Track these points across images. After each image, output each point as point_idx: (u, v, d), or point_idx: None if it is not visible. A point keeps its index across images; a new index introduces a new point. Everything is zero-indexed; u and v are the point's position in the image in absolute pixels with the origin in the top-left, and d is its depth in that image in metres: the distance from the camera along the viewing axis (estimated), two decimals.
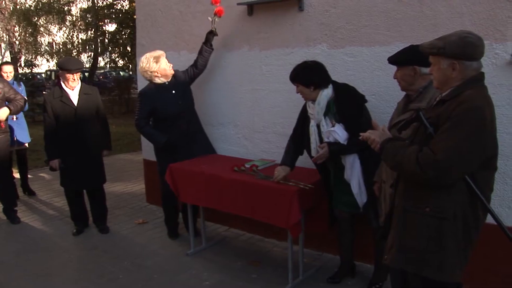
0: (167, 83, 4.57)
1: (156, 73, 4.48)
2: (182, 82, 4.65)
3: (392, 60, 3.05)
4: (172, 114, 4.52)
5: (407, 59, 2.96)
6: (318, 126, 3.52)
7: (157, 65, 4.46)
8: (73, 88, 4.84)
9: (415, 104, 2.89)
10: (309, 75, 3.44)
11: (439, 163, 2.07)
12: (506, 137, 3.26)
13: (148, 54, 4.54)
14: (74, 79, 4.79)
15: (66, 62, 4.84)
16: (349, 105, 3.41)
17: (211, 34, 4.62)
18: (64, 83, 4.82)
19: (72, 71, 4.72)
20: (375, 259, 3.72)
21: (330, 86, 3.47)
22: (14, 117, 5.99)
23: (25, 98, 5.43)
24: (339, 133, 3.37)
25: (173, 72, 4.60)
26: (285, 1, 4.20)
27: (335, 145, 3.39)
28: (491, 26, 3.26)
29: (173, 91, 4.57)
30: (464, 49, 2.18)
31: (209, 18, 4.53)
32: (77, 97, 4.84)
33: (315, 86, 3.44)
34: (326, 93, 3.44)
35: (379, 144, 2.41)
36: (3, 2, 24.76)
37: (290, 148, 3.77)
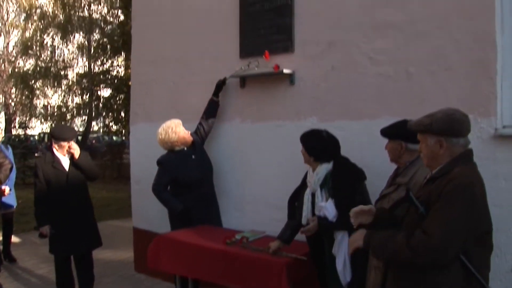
0: (185, 148, 4.58)
1: (176, 143, 4.51)
2: (199, 145, 4.67)
3: (382, 132, 3.12)
4: (195, 180, 4.49)
5: (395, 133, 3.04)
6: (313, 195, 3.50)
7: (176, 136, 4.48)
8: (64, 154, 4.85)
9: (400, 178, 2.93)
10: (314, 145, 3.47)
11: (435, 246, 2.05)
12: (494, 210, 3.21)
13: (165, 126, 4.53)
14: (70, 147, 4.80)
15: (61, 131, 4.87)
16: (342, 182, 3.39)
17: (223, 83, 4.68)
18: (57, 149, 4.84)
19: (67, 140, 4.76)
20: None
21: (332, 161, 3.46)
22: (7, 190, 5.96)
23: (12, 164, 5.41)
24: (329, 210, 3.33)
25: (192, 138, 4.61)
26: (277, 75, 4.32)
27: (325, 220, 3.34)
28: (475, 101, 3.36)
29: (193, 156, 4.57)
30: (451, 125, 2.24)
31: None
32: (69, 162, 4.85)
33: (315, 158, 3.47)
34: (326, 167, 3.45)
35: (361, 242, 2.38)
36: (3, 65, 25.29)
37: (289, 223, 3.72)
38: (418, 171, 2.82)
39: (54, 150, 4.83)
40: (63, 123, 20.62)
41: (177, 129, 4.51)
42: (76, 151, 4.75)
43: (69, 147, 4.74)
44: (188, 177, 4.48)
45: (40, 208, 4.79)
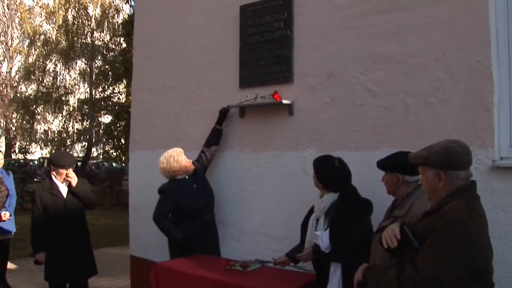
0: (187, 177, 4.58)
1: (178, 172, 4.51)
2: (200, 173, 4.67)
3: (378, 164, 3.12)
4: (196, 208, 4.48)
5: (391, 166, 3.03)
6: (318, 220, 3.51)
7: (178, 164, 4.49)
8: (63, 181, 4.85)
9: (396, 211, 2.91)
10: (325, 173, 3.48)
11: (422, 283, 2.01)
12: (493, 242, 3.17)
13: (166, 155, 4.54)
14: (68, 174, 4.81)
15: (60, 158, 4.91)
16: (342, 215, 3.36)
17: (226, 111, 4.71)
18: (55, 176, 4.84)
19: (66, 167, 4.77)
20: None
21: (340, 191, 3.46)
22: (7, 215, 5.93)
23: (8, 190, 5.38)
24: (323, 240, 3.31)
25: (193, 167, 4.61)
26: (276, 105, 4.35)
27: (318, 248, 3.33)
28: (472, 133, 3.38)
29: (194, 185, 4.56)
30: (448, 158, 2.20)
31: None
32: (67, 189, 4.85)
33: (324, 185, 3.47)
34: (333, 196, 3.45)
35: (360, 274, 2.39)
36: (5, 90, 25.47)
37: (299, 246, 3.72)
38: (415, 203, 2.80)
39: (53, 176, 4.84)
40: (63, 148, 20.65)
41: (178, 158, 4.52)
42: (74, 179, 4.76)
43: (66, 175, 4.75)
44: (189, 205, 4.47)
45: (36, 235, 4.77)
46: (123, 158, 19.07)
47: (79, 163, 21.84)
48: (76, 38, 21.15)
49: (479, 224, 2.14)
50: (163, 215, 4.49)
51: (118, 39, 20.67)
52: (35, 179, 20.41)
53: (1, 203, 5.14)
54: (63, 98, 22.17)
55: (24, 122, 23.34)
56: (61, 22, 21.51)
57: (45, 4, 23.50)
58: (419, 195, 2.80)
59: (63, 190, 4.83)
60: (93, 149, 23.12)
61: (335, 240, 3.26)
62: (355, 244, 3.19)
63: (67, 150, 20.45)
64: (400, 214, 2.81)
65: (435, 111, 3.55)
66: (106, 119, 21.65)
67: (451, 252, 2.02)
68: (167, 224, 4.49)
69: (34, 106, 22.35)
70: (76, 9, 21.44)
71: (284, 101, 4.25)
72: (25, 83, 23.98)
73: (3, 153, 6.87)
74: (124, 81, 18.31)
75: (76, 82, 22.97)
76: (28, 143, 24.65)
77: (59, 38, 21.69)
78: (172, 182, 4.57)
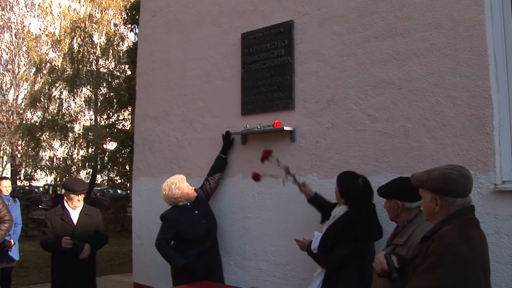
0: (189, 203, 4.58)
1: (180, 198, 4.52)
2: (203, 200, 4.68)
3: (378, 191, 3.11)
4: (198, 235, 4.47)
5: (391, 192, 3.01)
6: None
7: (180, 191, 4.49)
8: (75, 208, 4.90)
9: (397, 238, 2.88)
10: (348, 190, 3.54)
11: None
12: (497, 266, 3.22)
13: (169, 181, 4.55)
14: (79, 200, 4.88)
15: (72, 183, 5.01)
16: (335, 228, 3.47)
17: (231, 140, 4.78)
18: (67, 202, 4.90)
19: (77, 192, 4.83)
20: None
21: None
22: (12, 243, 5.95)
23: (12, 220, 5.37)
24: (315, 242, 3.48)
25: (195, 194, 4.62)
26: (278, 132, 4.37)
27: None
28: (473, 157, 3.37)
29: (196, 211, 4.56)
30: (445, 185, 2.19)
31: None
32: (78, 216, 4.88)
33: (345, 201, 3.54)
34: (344, 208, 3.53)
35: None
36: (11, 117, 25.70)
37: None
38: (415, 231, 2.76)
39: (65, 203, 4.89)
40: (67, 175, 20.69)
41: (180, 185, 4.52)
42: (87, 253, 4.79)
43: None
44: (191, 232, 4.45)
45: (48, 242, 4.79)
46: (128, 185, 19.09)
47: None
48: (81, 65, 21.41)
49: (475, 248, 2.10)
50: (165, 241, 4.48)
51: (123, 66, 20.90)
52: (40, 206, 20.44)
53: (1, 236, 5.10)
54: (68, 125, 22.29)
55: (30, 149, 23.42)
56: (66, 50, 21.78)
57: (51, 32, 23.85)
58: (420, 222, 2.78)
59: (74, 216, 4.87)
60: (98, 176, 23.13)
61: (322, 247, 3.43)
62: (338, 260, 3.34)
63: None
64: (400, 242, 2.78)
65: (435, 136, 3.56)
66: (111, 146, 21.73)
67: (445, 277, 2.01)
68: (169, 251, 4.48)
69: (40, 133, 22.47)
70: (82, 37, 21.74)
71: (285, 128, 4.27)
72: (31, 110, 24.15)
73: (10, 180, 6.91)
74: (128, 108, 18.43)
75: (81, 109, 23.15)
76: (33, 170, 24.72)
77: (65, 66, 21.95)
78: (174, 208, 4.57)
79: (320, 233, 3.53)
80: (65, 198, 4.93)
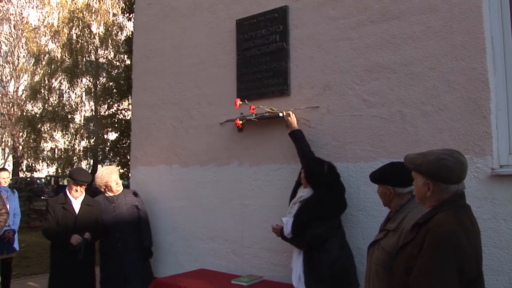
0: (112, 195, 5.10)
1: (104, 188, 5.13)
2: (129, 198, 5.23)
3: (370, 177, 3.07)
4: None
5: (382, 178, 2.96)
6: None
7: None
8: (76, 198, 4.98)
9: (389, 224, 2.85)
10: (314, 179, 3.65)
11: None
12: (494, 251, 3.20)
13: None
14: (77, 190, 4.95)
15: (75, 172, 5.14)
16: (306, 210, 3.58)
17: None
18: (69, 191, 4.96)
19: (77, 182, 4.89)
20: None
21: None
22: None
23: (8, 213, 5.36)
24: (287, 227, 3.60)
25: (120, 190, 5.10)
26: (274, 119, 4.33)
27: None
28: (470, 141, 3.35)
29: (114, 204, 5.02)
30: (438, 171, 2.15)
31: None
32: (79, 206, 4.94)
33: (311, 186, 3.68)
34: (311, 191, 3.66)
35: None
36: (12, 109, 25.68)
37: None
38: (407, 216, 2.72)
39: (68, 192, 4.92)
40: (69, 167, 20.72)
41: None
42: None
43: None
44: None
45: (53, 233, 4.85)
46: (129, 174, 19.07)
47: None
48: (80, 56, 21.29)
49: (470, 235, 2.09)
50: None
51: (122, 56, 20.76)
52: (42, 197, 20.51)
53: (2, 225, 5.14)
54: (69, 116, 22.26)
55: (31, 140, 23.41)
56: (65, 41, 21.68)
57: (49, 23, 23.74)
58: (412, 207, 2.75)
59: (76, 205, 4.93)
60: (99, 166, 23.15)
61: (295, 230, 3.54)
62: (314, 238, 3.47)
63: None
64: (392, 227, 2.75)
65: (432, 120, 3.53)
66: (112, 136, 21.70)
67: (443, 267, 1.98)
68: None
69: (40, 125, 22.45)
70: (80, 27, 21.61)
71: (281, 114, 4.23)
72: (32, 101, 24.11)
73: (9, 171, 6.92)
74: (129, 97, 18.35)
75: (82, 100, 23.10)
76: (35, 161, 24.77)
77: (64, 57, 21.85)
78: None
79: (288, 218, 3.63)
80: (68, 186, 5.03)
